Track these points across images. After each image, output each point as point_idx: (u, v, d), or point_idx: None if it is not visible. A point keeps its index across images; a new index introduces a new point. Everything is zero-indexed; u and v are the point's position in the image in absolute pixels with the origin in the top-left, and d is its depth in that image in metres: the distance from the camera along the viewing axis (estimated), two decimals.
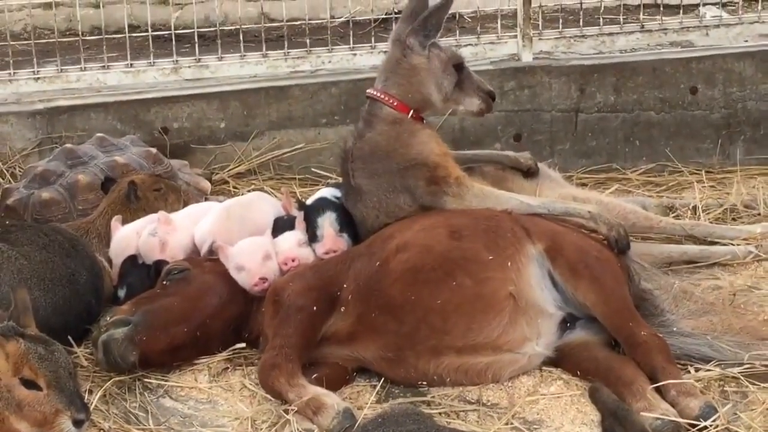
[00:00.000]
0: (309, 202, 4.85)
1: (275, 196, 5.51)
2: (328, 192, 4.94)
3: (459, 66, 4.75)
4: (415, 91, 4.74)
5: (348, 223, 4.70)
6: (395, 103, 4.72)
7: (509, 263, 4.26)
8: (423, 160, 4.62)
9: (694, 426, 3.82)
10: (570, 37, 6.80)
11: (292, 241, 4.65)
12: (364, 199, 4.67)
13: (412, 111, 4.72)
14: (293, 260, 4.56)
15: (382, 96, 4.75)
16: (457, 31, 6.83)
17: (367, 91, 4.85)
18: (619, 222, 4.61)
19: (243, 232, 4.75)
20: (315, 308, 4.23)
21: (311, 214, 4.70)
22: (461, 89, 4.75)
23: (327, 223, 4.65)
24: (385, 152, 4.67)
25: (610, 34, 6.82)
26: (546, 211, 4.59)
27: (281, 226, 4.80)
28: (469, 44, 6.72)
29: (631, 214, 5.16)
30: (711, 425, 3.80)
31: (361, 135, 4.76)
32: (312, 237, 4.65)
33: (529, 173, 5.02)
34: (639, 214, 5.20)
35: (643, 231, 5.19)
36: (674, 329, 4.28)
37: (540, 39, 6.74)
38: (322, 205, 4.76)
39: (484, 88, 4.80)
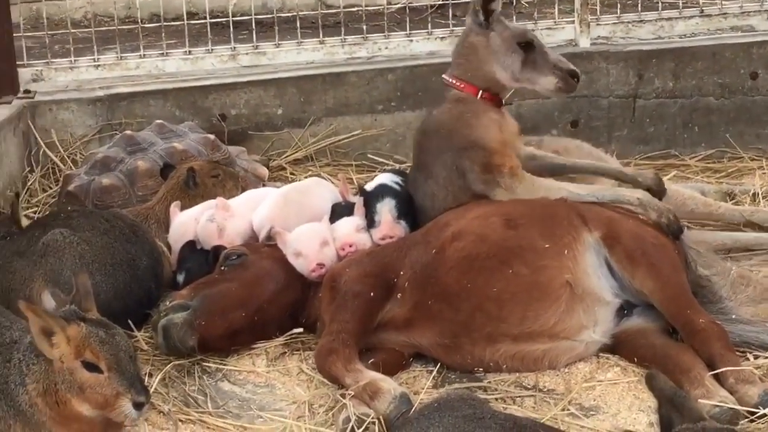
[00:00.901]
0: (369, 187, 4.86)
1: (332, 183, 5.52)
2: (388, 178, 4.95)
3: (526, 44, 4.68)
4: (476, 69, 4.73)
5: (406, 211, 4.70)
6: (461, 85, 4.74)
7: (566, 251, 4.24)
8: (482, 144, 4.60)
9: (752, 413, 3.78)
10: (628, 22, 6.75)
11: (349, 226, 4.67)
12: (435, 176, 4.70)
13: (480, 91, 4.71)
14: (351, 246, 4.58)
15: (450, 79, 4.79)
16: (515, 17, 6.81)
17: (443, 76, 4.86)
18: (668, 207, 4.55)
19: (301, 218, 4.77)
20: (372, 294, 4.24)
21: (371, 199, 4.72)
22: (534, 68, 4.68)
23: (386, 209, 4.66)
24: (448, 131, 4.68)
25: (669, 18, 6.77)
26: (595, 200, 4.54)
27: (339, 212, 4.82)
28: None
29: (690, 200, 5.16)
30: None
31: (430, 112, 4.84)
32: (370, 222, 4.67)
33: (653, 193, 4.67)
34: (698, 200, 5.19)
35: (701, 217, 5.18)
36: (733, 316, 4.25)
37: (598, 24, 6.70)
38: (382, 191, 4.76)
39: (562, 66, 4.70)
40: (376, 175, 5.58)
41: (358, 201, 4.77)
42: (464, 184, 4.63)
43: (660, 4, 6.82)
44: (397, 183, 4.88)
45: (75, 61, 6.50)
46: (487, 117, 4.67)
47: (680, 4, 6.81)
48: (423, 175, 4.76)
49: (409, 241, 4.46)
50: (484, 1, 4.69)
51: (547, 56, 4.71)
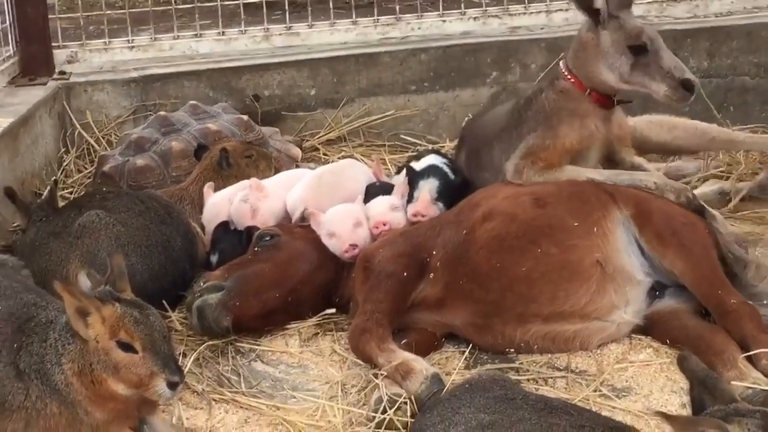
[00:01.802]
0: (418, 167, 4.87)
1: (365, 163, 5.53)
2: (437, 159, 4.96)
3: (638, 47, 4.42)
4: (582, 66, 4.54)
5: (447, 194, 4.71)
6: (573, 80, 4.56)
7: (595, 229, 4.23)
8: (552, 139, 4.50)
9: None
10: (663, 0, 6.71)
11: (384, 205, 4.68)
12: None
13: (588, 90, 4.54)
14: (384, 224, 4.59)
15: (563, 68, 4.61)
16: None
17: (561, 60, 4.69)
18: (684, 186, 4.50)
19: (335, 199, 4.78)
20: (405, 274, 4.25)
21: (417, 176, 4.75)
22: (645, 72, 4.42)
23: (427, 188, 4.68)
24: (545, 116, 4.57)
25: None
26: (613, 180, 4.49)
27: (373, 192, 4.83)
28: (560, 9, 6.68)
29: (709, 129, 5.33)
30: None
31: (535, 95, 4.65)
32: (410, 198, 4.69)
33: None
34: (716, 129, 5.36)
35: (722, 146, 5.37)
36: (765, 301, 4.22)
37: (634, 3, 6.64)
38: (430, 171, 4.80)
39: (675, 74, 4.38)
40: (411, 155, 5.59)
41: (401, 178, 4.78)
42: (507, 146, 4.61)
43: None
44: (446, 164, 4.89)
45: (109, 42, 6.55)
46: (584, 119, 4.52)
47: None
48: (501, 146, 4.70)
49: (442, 221, 4.46)
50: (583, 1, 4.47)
51: (661, 61, 4.41)
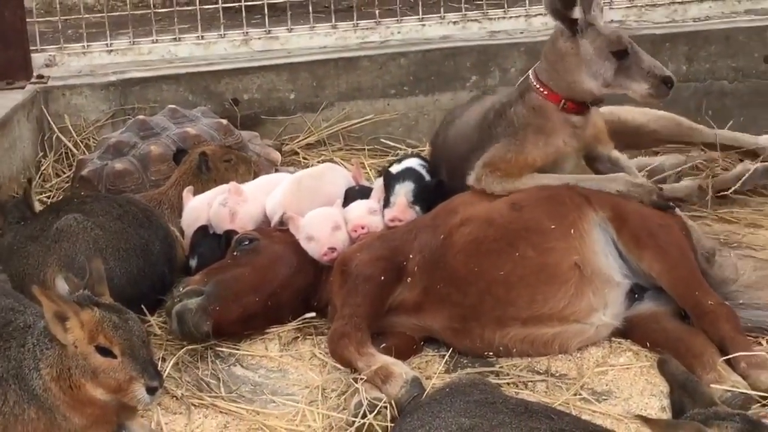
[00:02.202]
0: (394, 170, 4.87)
1: (345, 167, 5.53)
2: (415, 162, 4.95)
3: (621, 52, 4.38)
4: (561, 78, 4.47)
5: (424, 197, 4.69)
6: (545, 92, 4.49)
7: (572, 231, 4.23)
8: (517, 152, 4.46)
9: (765, 398, 3.77)
10: (641, 5, 6.75)
11: (362, 209, 4.68)
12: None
13: (564, 101, 4.47)
14: (362, 228, 4.58)
15: (534, 80, 4.53)
16: (527, 1, 6.79)
17: (530, 70, 4.63)
18: (653, 187, 4.45)
19: (314, 203, 4.77)
20: (382, 278, 4.25)
21: (392, 180, 4.73)
22: (627, 75, 4.39)
23: (403, 191, 4.67)
24: (513, 131, 4.50)
25: (683, 2, 6.77)
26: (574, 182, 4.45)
27: (352, 196, 4.83)
28: (539, 14, 6.69)
29: (674, 116, 5.52)
30: None
31: (505, 109, 4.58)
32: (386, 202, 4.68)
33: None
34: (680, 117, 5.53)
35: (687, 132, 5.54)
36: (741, 302, 4.24)
37: (611, 8, 6.70)
38: (405, 174, 4.78)
39: (656, 72, 4.38)
40: (393, 159, 5.59)
41: (378, 182, 4.78)
42: (473, 153, 4.58)
43: None
44: (424, 167, 4.88)
45: (88, 46, 6.52)
46: (554, 140, 4.47)
47: None
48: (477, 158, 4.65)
49: (419, 225, 4.46)
50: (563, 8, 4.40)
51: (642, 62, 4.41)
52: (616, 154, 4.67)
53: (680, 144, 5.57)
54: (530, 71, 4.59)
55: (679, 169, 5.51)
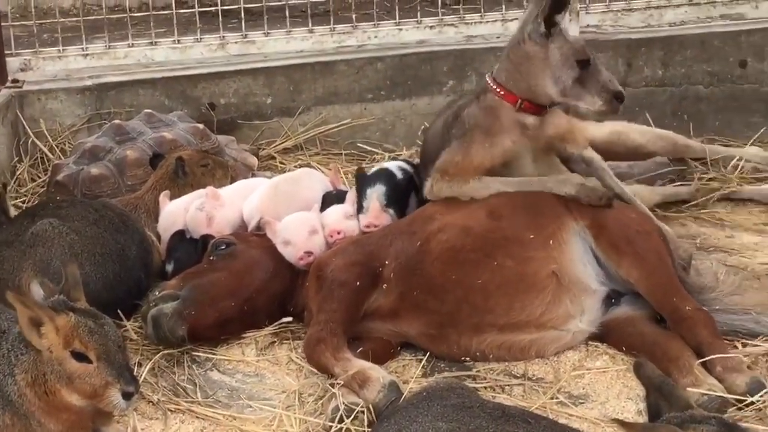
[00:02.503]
0: (367, 172, 4.86)
1: (322, 172, 5.52)
2: (393, 164, 4.95)
3: (584, 62, 4.42)
4: (523, 80, 4.48)
5: (397, 199, 4.70)
6: (501, 92, 4.50)
7: (551, 241, 4.25)
8: (465, 155, 4.47)
9: (740, 401, 3.79)
10: (617, 10, 6.76)
11: (338, 213, 4.67)
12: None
13: (521, 101, 4.48)
14: (339, 233, 4.58)
15: (491, 83, 4.54)
16: (504, 5, 6.80)
17: (488, 74, 4.64)
18: (603, 190, 4.44)
19: (291, 208, 4.76)
20: (358, 283, 4.24)
21: (363, 184, 4.72)
22: (583, 86, 4.43)
23: (375, 195, 4.66)
24: (463, 131, 4.53)
25: (658, 7, 6.78)
26: (524, 189, 4.43)
27: (329, 201, 4.82)
28: (516, 18, 6.68)
29: (669, 135, 5.57)
30: (758, 401, 3.78)
31: (464, 107, 4.61)
32: (359, 207, 4.68)
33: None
34: (674, 135, 5.60)
35: (682, 149, 5.58)
36: (717, 307, 4.25)
37: (587, 12, 6.71)
38: (376, 177, 4.77)
39: (610, 87, 4.42)
40: (369, 163, 5.59)
41: (350, 189, 4.78)
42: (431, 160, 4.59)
43: None
44: (401, 169, 4.87)
45: (63, 50, 6.49)
46: (501, 140, 4.47)
47: None
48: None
49: (395, 230, 4.45)
50: (550, 11, 4.41)
51: (599, 76, 4.45)
52: (589, 153, 4.68)
53: (674, 160, 5.62)
54: (487, 77, 4.61)
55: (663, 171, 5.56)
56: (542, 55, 4.45)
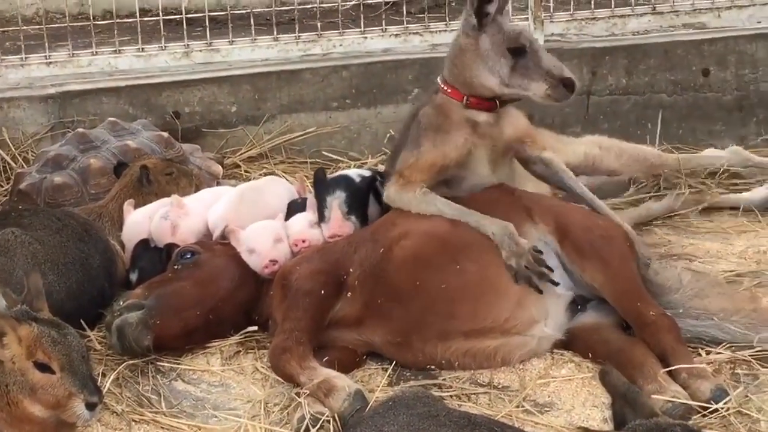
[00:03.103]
0: (326, 179, 4.84)
1: (287, 180, 5.51)
2: (354, 172, 4.94)
3: (517, 49, 4.41)
4: (460, 74, 4.50)
5: (358, 206, 4.68)
6: (448, 90, 4.52)
7: None
8: (417, 155, 4.47)
9: (705, 408, 3.81)
10: (581, 19, 6.79)
11: (302, 222, 4.66)
12: None
13: (466, 97, 4.49)
14: (304, 241, 4.57)
15: (440, 81, 4.58)
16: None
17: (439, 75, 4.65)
18: (524, 250, 4.21)
19: (256, 216, 4.75)
20: (323, 292, 4.24)
21: (323, 191, 4.69)
22: (525, 74, 4.41)
23: (336, 204, 4.63)
24: (418, 131, 4.54)
25: (622, 16, 6.82)
26: (459, 219, 4.37)
27: (295, 209, 4.81)
28: None
29: (646, 154, 5.49)
30: (722, 408, 3.80)
31: (419, 109, 4.64)
32: (320, 216, 4.64)
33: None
34: (651, 153, 5.52)
35: (657, 168, 5.50)
36: (681, 311, 4.27)
37: (551, 21, 6.73)
38: (336, 183, 4.74)
39: (555, 73, 4.40)
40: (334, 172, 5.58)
41: (310, 196, 4.77)
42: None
43: (613, 2, 6.86)
44: (359, 175, 4.86)
45: (26, 58, 6.44)
46: (452, 137, 4.47)
47: (633, 2, 6.86)
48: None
49: (359, 239, 4.45)
50: (479, 2, 4.41)
51: (540, 61, 4.42)
52: (548, 155, 4.67)
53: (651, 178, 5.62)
54: (438, 77, 4.63)
55: (627, 194, 5.56)
56: (474, 47, 4.47)
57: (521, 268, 4.19)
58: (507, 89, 4.46)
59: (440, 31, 6.73)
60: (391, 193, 4.51)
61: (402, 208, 4.46)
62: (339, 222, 4.59)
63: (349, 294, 4.27)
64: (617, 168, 5.39)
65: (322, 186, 4.72)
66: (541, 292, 4.19)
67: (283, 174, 5.97)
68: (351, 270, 4.29)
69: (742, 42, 6.49)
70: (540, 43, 6.32)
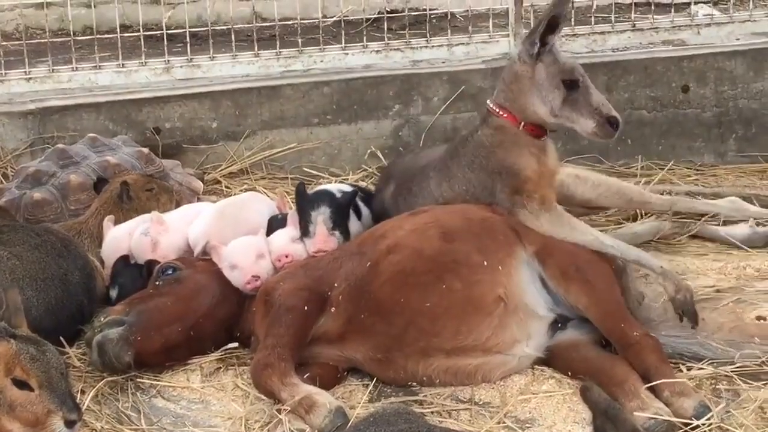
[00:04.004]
0: (307, 193, 4.84)
1: (268, 196, 5.50)
2: (334, 187, 4.93)
3: (571, 82, 4.47)
4: (515, 100, 4.54)
5: (341, 221, 4.68)
6: (504, 114, 4.55)
7: (500, 267, 4.25)
8: (517, 170, 4.50)
9: (687, 425, 3.81)
10: (561, 35, 6.78)
11: (285, 237, 4.65)
12: (453, 182, 4.64)
13: (522, 123, 4.54)
14: (286, 256, 4.56)
15: (493, 106, 4.60)
16: (449, 30, 6.84)
17: (487, 101, 4.69)
18: (687, 285, 4.42)
19: (237, 232, 4.74)
20: (306, 308, 4.22)
21: (306, 206, 4.69)
22: (574, 107, 4.48)
23: (320, 219, 4.63)
24: (486, 152, 4.57)
25: (602, 32, 6.84)
26: (618, 254, 4.44)
27: (276, 225, 4.81)
28: (461, 43, 6.73)
29: (626, 189, 5.37)
30: (704, 424, 3.80)
31: (471, 134, 4.67)
32: (304, 231, 4.64)
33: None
34: (633, 190, 5.41)
35: (637, 206, 5.44)
36: (663, 333, 4.28)
37: None
38: (319, 198, 4.74)
39: (603, 111, 4.50)
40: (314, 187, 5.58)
41: (291, 211, 4.76)
42: (492, 201, 4.57)
43: (593, 19, 6.89)
44: (340, 191, 4.86)
45: (5, 74, 6.42)
46: (526, 149, 4.53)
47: (613, 19, 6.89)
48: (439, 177, 4.69)
49: (344, 253, 4.45)
50: (545, 32, 4.46)
51: (590, 97, 4.50)
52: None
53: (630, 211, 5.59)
54: (488, 102, 4.66)
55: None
56: (530, 75, 4.52)
57: (686, 302, 4.32)
58: (554, 119, 4.53)
59: (421, 47, 6.74)
60: (536, 213, 4.47)
61: (555, 236, 4.42)
62: (324, 237, 4.59)
63: (333, 309, 4.26)
64: (593, 198, 5.33)
65: (305, 201, 4.72)
66: (697, 324, 4.31)
67: (264, 190, 5.97)
68: (335, 285, 4.29)
69: (722, 59, 6.52)
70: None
